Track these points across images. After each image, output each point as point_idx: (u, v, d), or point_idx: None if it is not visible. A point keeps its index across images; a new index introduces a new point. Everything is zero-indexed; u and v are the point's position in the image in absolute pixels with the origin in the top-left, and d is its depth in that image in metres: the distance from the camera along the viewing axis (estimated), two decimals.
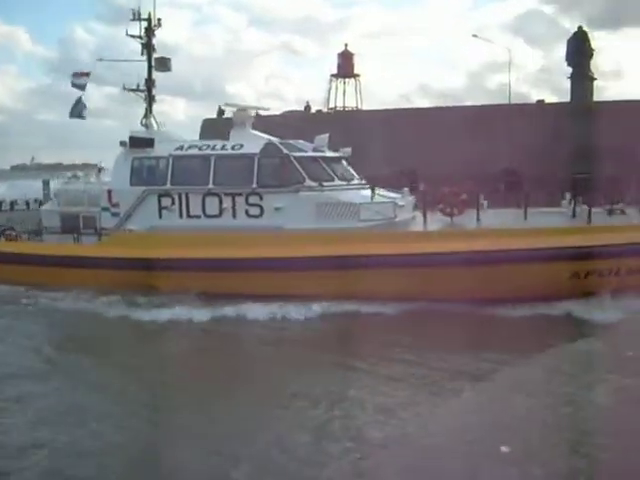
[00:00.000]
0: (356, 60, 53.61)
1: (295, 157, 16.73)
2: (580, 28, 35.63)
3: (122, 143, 18.32)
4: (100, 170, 20.44)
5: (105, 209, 18.24)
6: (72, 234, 18.30)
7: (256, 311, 14.80)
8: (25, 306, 16.64)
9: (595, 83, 35.58)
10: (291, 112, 44.19)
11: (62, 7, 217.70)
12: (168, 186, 17.47)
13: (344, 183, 17.08)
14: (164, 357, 12.95)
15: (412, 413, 9.10)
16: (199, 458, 8.25)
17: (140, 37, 18.85)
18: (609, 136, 29.70)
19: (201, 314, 14.92)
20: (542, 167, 28.43)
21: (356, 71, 53.73)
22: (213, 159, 17.20)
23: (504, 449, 4.12)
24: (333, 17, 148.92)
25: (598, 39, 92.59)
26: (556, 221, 15.78)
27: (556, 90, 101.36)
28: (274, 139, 17.53)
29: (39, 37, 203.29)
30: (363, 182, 17.72)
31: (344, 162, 17.93)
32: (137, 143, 18.13)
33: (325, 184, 16.60)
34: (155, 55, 19.00)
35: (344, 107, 53.56)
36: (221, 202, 16.98)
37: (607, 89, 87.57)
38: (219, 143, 17.78)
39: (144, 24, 18.89)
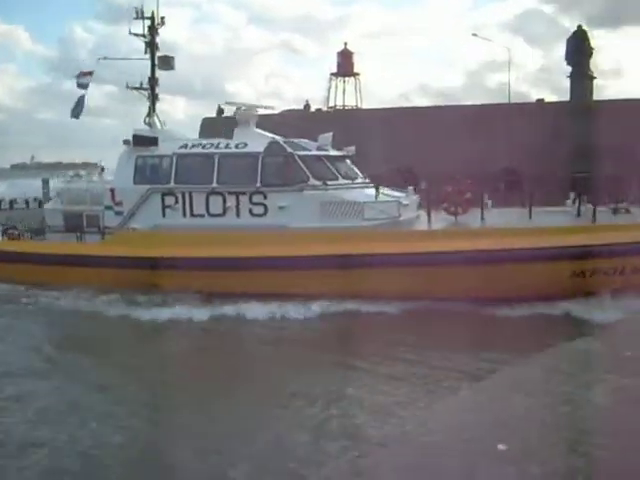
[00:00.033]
0: (356, 59, 53.76)
1: (299, 156, 16.71)
2: (580, 27, 35.57)
3: (126, 142, 18.30)
4: (102, 169, 20.39)
5: (108, 208, 18.21)
6: (75, 233, 18.26)
7: (256, 310, 14.80)
8: (25, 305, 16.66)
9: (595, 82, 35.56)
10: (290, 111, 44.13)
11: (61, 6, 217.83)
12: (172, 185, 17.46)
13: (348, 182, 17.08)
14: (164, 356, 12.96)
15: (411, 411, 9.13)
16: (198, 457, 8.24)
17: (144, 35, 18.82)
18: (609, 135, 29.74)
19: (201, 313, 14.93)
20: (542, 166, 28.44)
21: (356, 70, 53.83)
22: (217, 158, 17.18)
23: (502, 447, 4.13)
24: (333, 16, 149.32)
25: (597, 38, 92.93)
26: (561, 220, 15.78)
27: (556, 89, 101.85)
28: (278, 138, 17.52)
29: (39, 36, 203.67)
30: (367, 181, 17.72)
31: (348, 161, 17.93)
32: (141, 142, 18.11)
33: (329, 183, 16.60)
34: (158, 53, 18.94)
35: (344, 106, 53.57)
36: (225, 201, 16.97)
37: (607, 88, 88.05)
38: (223, 142, 17.76)
39: (147, 22, 18.86)
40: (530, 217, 16.10)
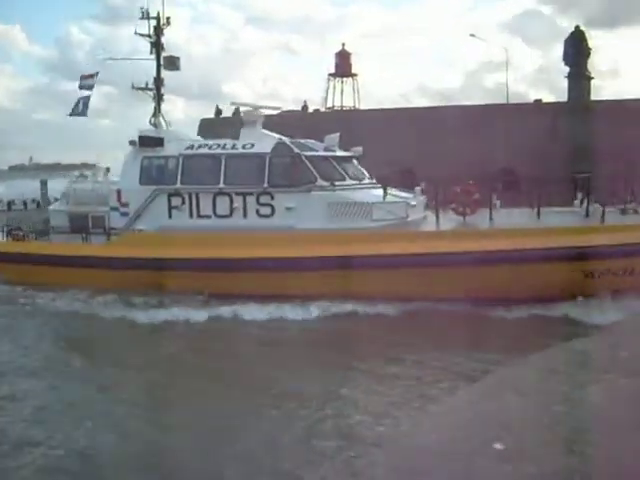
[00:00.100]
0: (354, 60, 53.73)
1: (306, 156, 16.66)
2: (577, 28, 35.64)
3: (131, 142, 18.23)
4: (108, 169, 20.32)
5: (114, 209, 18.15)
6: (81, 234, 18.18)
7: (253, 312, 14.77)
8: (22, 306, 16.65)
9: (592, 82, 35.64)
10: (288, 112, 44.15)
11: (58, 6, 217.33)
12: (178, 185, 17.40)
13: (356, 182, 17.03)
14: (160, 357, 12.97)
15: (407, 412, 9.18)
16: (194, 457, 8.24)
17: (149, 36, 18.74)
18: (606, 135, 29.80)
19: (199, 314, 14.91)
20: (539, 166, 28.43)
21: (354, 71, 53.81)
22: (224, 158, 17.12)
23: (498, 447, 4.13)
24: (331, 16, 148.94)
25: (595, 38, 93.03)
26: (570, 220, 15.74)
27: (554, 89, 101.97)
28: (285, 138, 17.45)
29: (35, 36, 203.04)
30: (374, 181, 17.66)
31: (355, 161, 17.86)
32: (147, 142, 18.05)
33: (337, 184, 16.53)
34: (164, 54, 18.87)
35: (342, 107, 53.54)
36: (232, 202, 16.90)
37: (604, 88, 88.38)
38: (229, 142, 17.70)
39: (153, 23, 18.77)
40: (539, 217, 16.06)
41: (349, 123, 35.07)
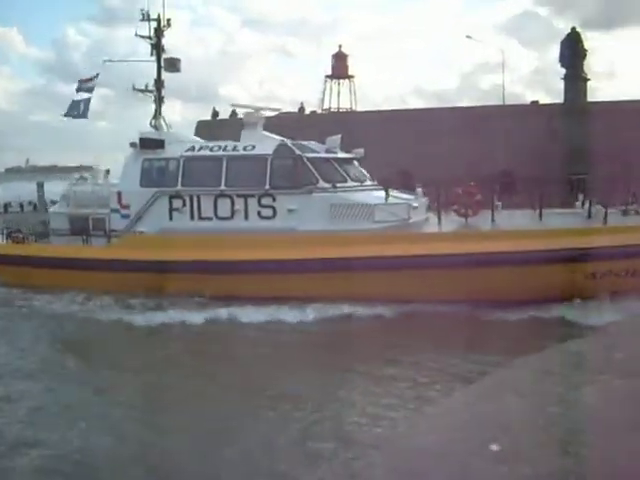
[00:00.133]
0: (350, 61, 53.96)
1: (308, 158, 16.63)
2: (573, 29, 35.74)
3: (132, 144, 18.17)
4: (108, 171, 20.26)
5: (115, 211, 18.08)
6: (81, 236, 18.11)
7: (250, 314, 14.71)
8: (19, 308, 16.59)
9: (588, 84, 35.76)
10: (285, 114, 44.30)
11: (55, 8, 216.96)
12: (179, 187, 17.34)
13: (357, 184, 17.01)
14: (157, 359, 12.94)
15: (404, 413, 9.21)
16: (190, 460, 8.22)
17: (149, 37, 18.70)
18: (602, 136, 29.89)
19: (195, 317, 14.86)
20: (536, 167, 28.51)
21: (350, 72, 54.04)
22: (225, 160, 17.08)
23: (494, 448, 4.14)
24: (326, 18, 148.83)
25: (591, 40, 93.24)
26: (572, 222, 15.74)
27: (550, 91, 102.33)
28: (286, 140, 17.42)
29: (32, 38, 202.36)
30: (375, 183, 17.65)
31: (356, 163, 17.85)
32: (147, 144, 17.99)
33: (338, 185, 16.51)
34: (164, 55, 18.83)
35: (338, 108, 53.70)
36: (233, 204, 16.86)
37: (600, 90, 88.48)
38: (230, 144, 17.67)
39: (153, 25, 18.73)
40: (541, 219, 16.07)
41: (346, 125, 35.16)
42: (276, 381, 11.08)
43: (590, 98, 35.59)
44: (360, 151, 17.83)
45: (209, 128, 39.01)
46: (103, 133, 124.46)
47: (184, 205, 17.28)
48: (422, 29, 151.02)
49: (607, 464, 3.98)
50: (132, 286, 15.90)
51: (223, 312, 14.92)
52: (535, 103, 39.31)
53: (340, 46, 53.56)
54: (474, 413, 4.84)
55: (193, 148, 17.87)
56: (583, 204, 16.69)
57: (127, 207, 17.89)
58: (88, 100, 18.99)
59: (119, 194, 18.01)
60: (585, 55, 35.28)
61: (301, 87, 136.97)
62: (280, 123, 30.15)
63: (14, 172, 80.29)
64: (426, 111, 40.59)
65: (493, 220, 16.22)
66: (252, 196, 16.71)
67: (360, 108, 51.55)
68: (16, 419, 9.76)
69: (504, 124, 33.11)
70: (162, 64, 18.77)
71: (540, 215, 16.18)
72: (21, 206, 28.82)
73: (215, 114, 46.20)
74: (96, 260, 16.91)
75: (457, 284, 14.02)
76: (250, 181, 16.81)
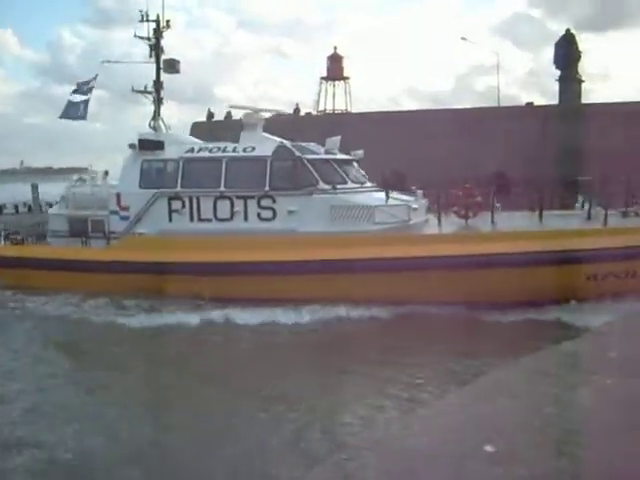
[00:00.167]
0: (345, 63, 54.18)
1: (308, 159, 16.63)
2: (568, 31, 35.90)
3: (131, 146, 18.12)
4: (107, 173, 20.20)
5: (114, 212, 18.03)
6: (80, 238, 18.06)
7: (245, 316, 14.70)
8: (12, 310, 16.56)
9: (583, 85, 35.91)
10: (280, 115, 44.36)
11: (49, 10, 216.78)
12: (178, 189, 17.31)
13: (357, 186, 17.01)
14: (151, 360, 12.97)
15: (398, 414, 9.22)
16: (184, 460, 8.23)
17: (148, 39, 18.66)
18: (597, 138, 29.97)
19: (190, 318, 14.85)
20: (531, 169, 28.56)
21: (345, 74, 54.23)
22: (225, 162, 17.06)
23: (489, 449, 4.14)
24: (321, 20, 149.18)
25: (585, 41, 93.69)
26: (572, 223, 15.77)
27: (545, 92, 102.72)
28: (286, 141, 17.41)
29: (27, 40, 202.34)
30: (375, 184, 17.65)
31: (355, 164, 17.84)
32: (147, 146, 17.93)
33: (338, 187, 16.50)
34: (163, 57, 18.80)
35: (333, 110, 53.80)
36: (233, 205, 16.83)
37: (594, 91, 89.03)
38: (230, 145, 17.64)
39: (152, 26, 18.70)
40: (541, 220, 16.09)
41: (341, 126, 35.21)
42: (270, 382, 11.08)
43: (584, 100, 35.78)
44: (360, 152, 17.84)
45: (204, 129, 38.96)
46: (97, 135, 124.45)
47: (184, 206, 17.25)
48: (417, 31, 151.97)
49: (603, 465, 3.98)
50: (132, 288, 15.86)
51: (218, 314, 14.90)
52: (530, 105, 39.41)
53: (335, 47, 53.82)
54: (469, 414, 4.84)
55: (192, 149, 17.84)
56: (583, 205, 16.72)
57: (126, 209, 17.84)
58: (87, 101, 18.93)
59: (118, 195, 17.96)
60: (579, 57, 35.48)
61: (296, 88, 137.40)
62: (275, 125, 30.21)
63: (9, 174, 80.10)
64: (421, 112, 40.64)
65: (493, 222, 16.23)
66: (252, 197, 16.69)
67: (355, 109, 51.75)
68: (10, 420, 9.75)
69: (499, 126, 33.20)
70: (161, 65, 18.72)
71: (540, 217, 16.21)
72: (16, 208, 28.76)
73: (210, 115, 46.17)
74: (96, 262, 16.86)
75: (458, 286, 14.02)
76: (250, 182, 16.80)
